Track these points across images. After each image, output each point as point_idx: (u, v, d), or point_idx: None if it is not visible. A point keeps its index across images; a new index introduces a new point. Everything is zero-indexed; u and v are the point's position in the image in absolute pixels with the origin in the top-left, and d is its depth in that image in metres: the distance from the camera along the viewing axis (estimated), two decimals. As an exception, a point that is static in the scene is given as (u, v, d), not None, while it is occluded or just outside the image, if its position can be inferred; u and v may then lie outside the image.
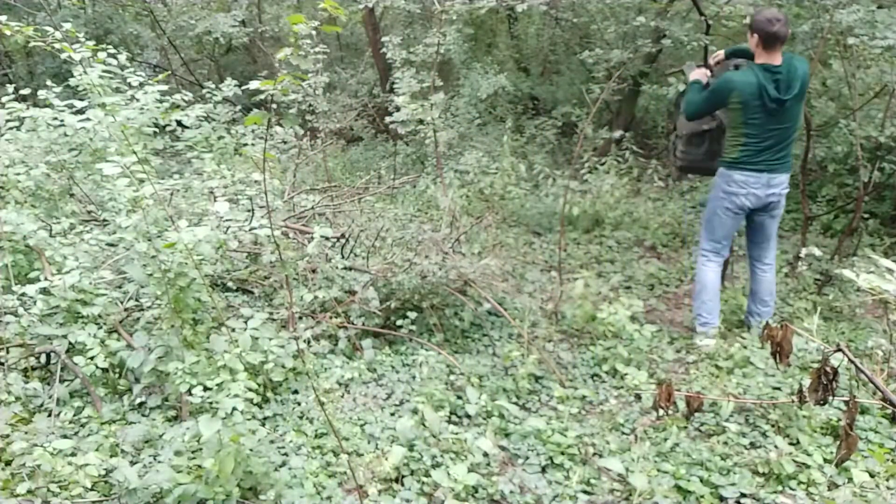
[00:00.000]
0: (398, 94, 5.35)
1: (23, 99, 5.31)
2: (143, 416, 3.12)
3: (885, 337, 3.58)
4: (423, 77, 5.43)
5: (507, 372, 3.58)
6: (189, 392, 2.77)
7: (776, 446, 2.86)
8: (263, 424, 3.05)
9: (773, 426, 3.05)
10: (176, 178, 4.60)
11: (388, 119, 5.56)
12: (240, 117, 6.89)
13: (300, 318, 3.79)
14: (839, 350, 2.32)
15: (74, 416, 3.05)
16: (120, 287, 3.89)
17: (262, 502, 2.55)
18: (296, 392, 3.36)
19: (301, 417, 3.18)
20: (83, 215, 4.80)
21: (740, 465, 2.82)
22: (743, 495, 2.66)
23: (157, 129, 4.90)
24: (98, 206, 4.86)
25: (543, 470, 2.85)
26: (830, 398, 2.43)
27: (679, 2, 6.71)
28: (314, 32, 2.22)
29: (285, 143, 6.24)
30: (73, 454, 2.71)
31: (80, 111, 4.78)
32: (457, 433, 2.99)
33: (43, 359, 3.36)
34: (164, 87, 4.94)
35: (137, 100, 4.82)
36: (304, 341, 3.55)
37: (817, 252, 4.13)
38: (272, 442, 2.89)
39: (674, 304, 4.62)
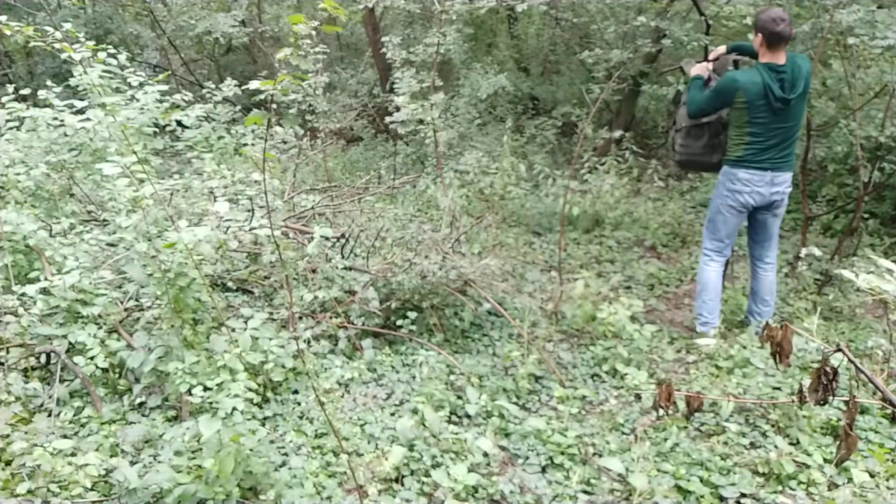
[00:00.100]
0: (398, 94, 5.34)
1: (23, 99, 5.31)
2: (143, 416, 3.12)
3: (885, 337, 3.57)
4: (423, 77, 5.43)
5: (507, 372, 3.58)
6: (189, 392, 2.77)
7: (776, 446, 2.86)
8: (263, 424, 3.05)
9: (773, 426, 3.05)
10: (176, 178, 4.59)
11: (388, 119, 5.55)
12: (240, 117, 6.89)
13: (300, 318, 3.79)
14: (839, 350, 2.32)
15: (74, 416, 3.05)
16: (120, 287, 3.89)
17: (262, 502, 2.55)
18: (296, 392, 3.36)
19: (301, 417, 3.18)
20: (83, 215, 4.80)
21: (740, 465, 2.82)
22: (743, 495, 2.66)
23: (157, 129, 4.90)
24: (98, 206, 4.86)
25: (543, 470, 2.85)
26: (830, 398, 2.42)
27: (679, 2, 6.71)
28: (314, 32, 2.22)
29: (285, 143, 6.24)
30: (73, 454, 2.71)
31: (80, 111, 4.78)
32: (457, 433, 2.99)
33: (43, 359, 3.36)
34: (164, 87, 4.95)
35: (137, 100, 4.82)
36: (304, 341, 3.55)
37: (817, 252, 4.12)
38: (272, 442, 2.89)
39: (674, 304, 4.62)
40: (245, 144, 6.09)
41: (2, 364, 3.22)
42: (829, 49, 5.39)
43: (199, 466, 2.55)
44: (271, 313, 3.81)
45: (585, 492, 2.73)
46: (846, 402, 2.35)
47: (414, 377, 3.50)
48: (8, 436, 2.78)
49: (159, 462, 2.72)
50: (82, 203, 4.91)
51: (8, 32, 3.32)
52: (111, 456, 2.80)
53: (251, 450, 2.57)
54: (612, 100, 7.29)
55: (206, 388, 2.73)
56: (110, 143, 4.52)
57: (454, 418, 3.19)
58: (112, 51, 4.50)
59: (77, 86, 4.69)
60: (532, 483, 2.75)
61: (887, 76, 4.97)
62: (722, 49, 3.95)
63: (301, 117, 7.03)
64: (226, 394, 2.66)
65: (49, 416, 2.99)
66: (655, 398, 2.62)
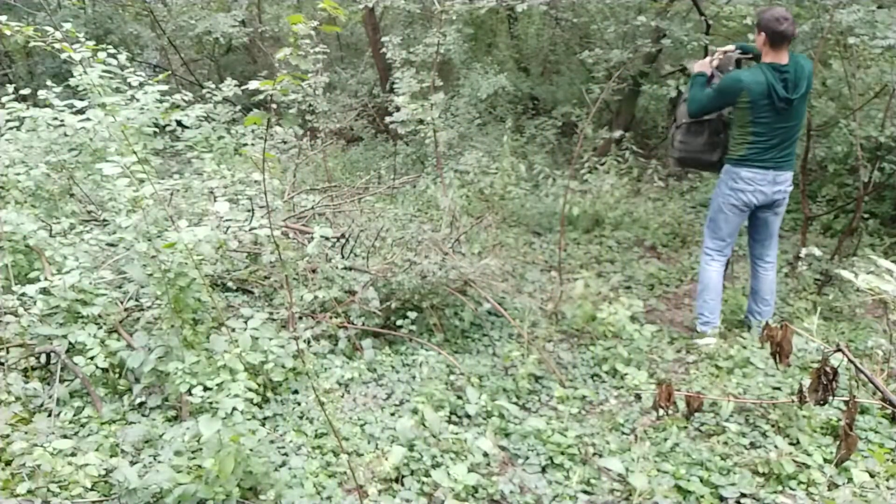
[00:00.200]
0: (398, 94, 5.34)
1: (23, 99, 5.31)
2: (143, 416, 3.12)
3: (885, 337, 3.57)
4: (423, 77, 5.43)
5: (507, 372, 3.58)
6: (189, 392, 2.77)
7: (776, 446, 2.86)
8: (263, 424, 3.05)
9: (773, 426, 3.05)
10: (176, 178, 4.60)
11: (388, 119, 5.55)
12: (240, 117, 6.89)
13: (300, 318, 3.79)
14: (839, 350, 2.32)
15: (74, 416, 3.05)
16: (120, 287, 3.89)
17: (262, 502, 2.55)
18: (296, 392, 3.35)
19: (301, 417, 3.18)
20: (83, 215, 4.80)
21: (740, 465, 2.82)
22: (743, 495, 2.66)
23: (157, 129, 4.90)
24: (98, 206, 4.86)
25: (543, 470, 2.85)
26: (830, 398, 2.42)
27: (679, 2, 6.71)
28: (314, 32, 2.22)
29: (285, 143, 6.24)
30: (73, 454, 2.71)
31: (80, 111, 4.78)
32: (457, 433, 2.99)
33: (43, 359, 3.36)
34: (164, 87, 4.95)
35: (137, 100, 4.82)
36: (304, 341, 3.55)
37: (817, 252, 4.13)
38: (272, 442, 2.89)
39: (674, 304, 4.62)
40: (245, 144, 6.09)
41: (2, 364, 3.22)
42: (829, 49, 5.39)
43: (199, 466, 2.55)
44: (271, 313, 3.81)
45: (585, 492, 2.73)
46: (846, 402, 2.35)
47: (414, 377, 3.50)
48: (8, 436, 2.78)
49: (159, 462, 2.72)
50: (82, 203, 4.91)
51: (8, 32, 3.32)
52: (111, 456, 2.80)
53: (251, 450, 2.57)
54: (612, 100, 7.29)
55: (206, 388, 2.73)
56: (110, 143, 4.52)
57: (454, 418, 3.19)
58: (112, 51, 4.50)
59: (77, 86, 4.69)
60: (532, 483, 2.75)
61: (887, 76, 4.97)
62: (731, 47, 3.91)
63: (301, 117, 7.03)
64: (226, 394, 2.66)
65: (49, 416, 2.99)
66: (655, 398, 2.63)
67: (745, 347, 3.61)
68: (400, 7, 6.89)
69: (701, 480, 2.73)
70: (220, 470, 2.44)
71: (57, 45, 3.21)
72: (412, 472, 2.78)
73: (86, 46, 3.70)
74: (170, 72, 9.31)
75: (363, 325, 3.83)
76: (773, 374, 3.39)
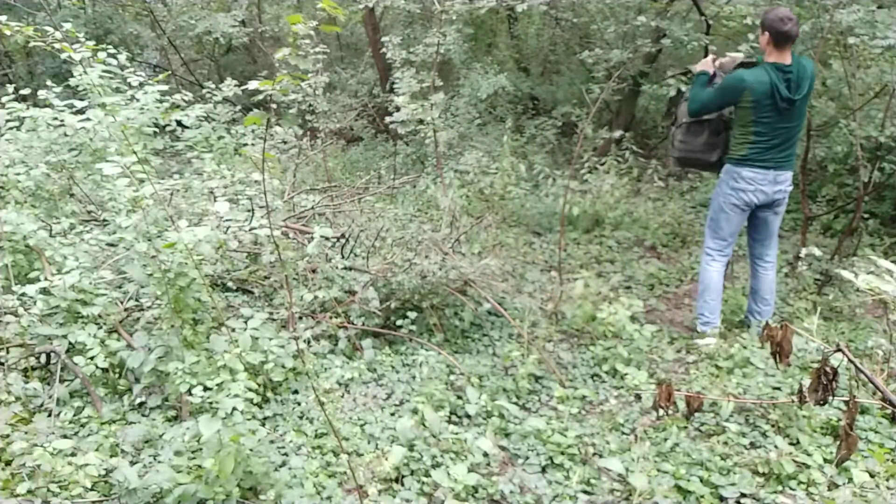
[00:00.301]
0: (398, 94, 5.34)
1: (23, 99, 5.31)
2: (143, 416, 3.12)
3: (885, 337, 3.57)
4: (423, 77, 5.43)
5: (507, 372, 3.58)
6: (189, 392, 2.77)
7: (776, 446, 2.86)
8: (263, 424, 3.05)
9: (773, 426, 3.05)
10: (176, 178, 4.60)
11: (388, 119, 5.55)
12: (240, 117, 6.89)
13: (300, 318, 3.79)
14: (839, 350, 2.32)
15: (74, 416, 3.05)
16: (120, 287, 3.89)
17: (262, 502, 2.55)
18: (296, 392, 3.35)
19: (301, 417, 3.18)
20: (83, 215, 4.80)
21: (740, 465, 2.82)
22: (743, 495, 2.66)
23: (157, 129, 4.90)
24: (98, 206, 4.86)
25: (543, 470, 2.85)
26: (830, 398, 2.42)
27: (679, 2, 6.71)
28: (314, 32, 2.22)
29: (285, 143, 6.24)
30: (73, 454, 2.71)
31: (80, 111, 4.78)
32: (457, 433, 2.99)
33: (43, 359, 3.36)
34: (164, 87, 4.95)
35: (137, 100, 4.82)
36: (304, 341, 3.55)
37: (817, 252, 4.13)
38: (272, 442, 2.89)
39: (674, 304, 4.62)
40: (245, 144, 6.09)
41: (2, 364, 3.22)
42: (829, 49, 5.39)
43: (199, 466, 2.55)
44: (271, 313, 3.81)
45: (585, 492, 2.72)
46: (846, 402, 2.35)
47: (414, 377, 3.50)
48: (8, 436, 2.78)
49: (159, 462, 2.72)
50: (82, 203, 4.91)
51: (8, 32, 3.32)
52: (111, 456, 2.80)
53: (251, 450, 2.57)
54: (612, 100, 7.29)
55: (206, 388, 2.73)
56: (110, 143, 4.52)
57: (454, 418, 3.19)
58: (112, 51, 4.50)
59: (77, 86, 4.69)
60: (532, 483, 2.75)
61: (887, 76, 4.97)
62: (739, 55, 3.86)
63: (301, 117, 7.03)
64: (226, 394, 2.66)
65: (49, 416, 2.99)
66: (655, 398, 2.62)
67: (745, 347, 3.61)
68: (400, 7, 6.89)
69: (701, 480, 2.73)
70: (220, 470, 2.44)
71: (57, 45, 3.21)
72: (412, 472, 2.78)
73: (86, 46, 3.70)
74: (170, 72, 9.32)
75: (363, 325, 3.83)
76: (773, 374, 3.39)
